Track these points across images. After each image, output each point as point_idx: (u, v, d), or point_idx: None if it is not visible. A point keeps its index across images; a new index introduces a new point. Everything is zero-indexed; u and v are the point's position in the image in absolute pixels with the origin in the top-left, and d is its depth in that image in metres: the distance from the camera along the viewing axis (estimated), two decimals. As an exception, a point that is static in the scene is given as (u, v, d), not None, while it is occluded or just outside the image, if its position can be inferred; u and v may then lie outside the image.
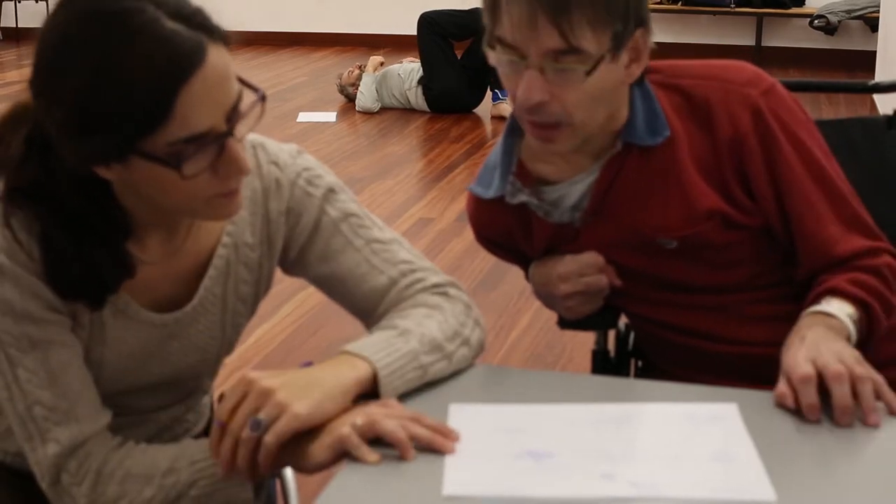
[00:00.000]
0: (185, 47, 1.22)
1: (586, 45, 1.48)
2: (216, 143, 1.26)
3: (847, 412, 1.34)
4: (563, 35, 1.47)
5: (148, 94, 1.21)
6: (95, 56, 1.21)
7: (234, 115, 1.28)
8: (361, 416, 1.31)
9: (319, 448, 1.30)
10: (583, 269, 1.69)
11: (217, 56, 1.25)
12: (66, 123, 1.24)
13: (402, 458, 1.28)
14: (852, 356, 1.40)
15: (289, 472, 1.63)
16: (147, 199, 1.34)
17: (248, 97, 1.30)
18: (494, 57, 1.54)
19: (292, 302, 3.90)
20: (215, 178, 1.29)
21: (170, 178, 1.26)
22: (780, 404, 1.37)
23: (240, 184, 1.33)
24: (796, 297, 1.67)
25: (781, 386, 1.38)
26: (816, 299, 1.56)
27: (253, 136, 1.46)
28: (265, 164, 1.49)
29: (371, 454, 1.27)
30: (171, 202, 1.33)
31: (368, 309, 1.52)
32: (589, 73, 1.50)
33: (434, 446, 1.29)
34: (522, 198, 1.68)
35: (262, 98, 1.31)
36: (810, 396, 1.35)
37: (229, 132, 1.27)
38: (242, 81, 1.30)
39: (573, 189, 1.67)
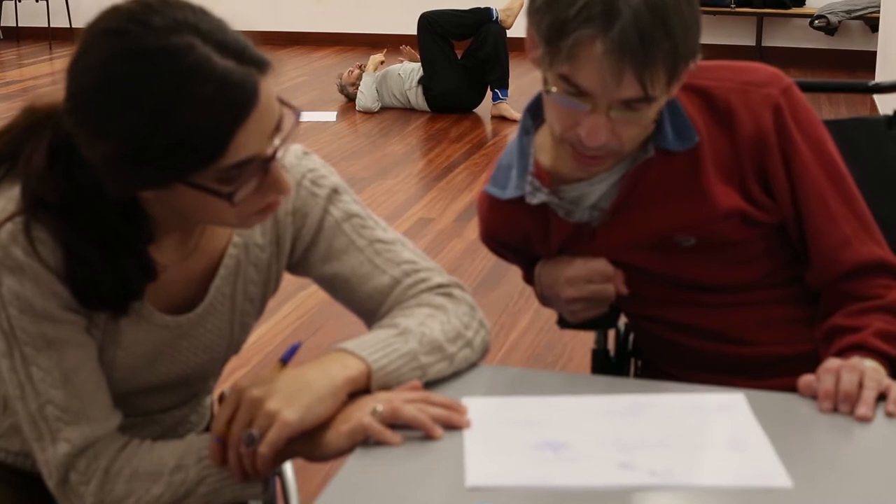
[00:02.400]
0: (241, 89, 1.21)
1: (658, 92, 1.47)
2: (262, 167, 1.27)
3: (849, 398, 1.38)
4: (644, 87, 1.45)
5: (206, 136, 1.21)
6: (149, 99, 1.19)
7: (276, 137, 1.28)
8: (382, 402, 1.33)
9: (336, 436, 1.32)
10: (591, 275, 1.68)
11: (266, 88, 1.25)
12: (113, 157, 1.23)
13: (429, 437, 1.33)
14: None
15: (289, 472, 1.63)
16: (178, 213, 1.34)
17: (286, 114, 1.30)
18: (553, 93, 1.50)
19: (292, 302, 3.90)
20: (256, 197, 1.30)
21: (210, 205, 1.28)
22: (803, 391, 1.42)
23: (276, 198, 1.34)
24: (808, 298, 1.68)
25: (808, 376, 1.43)
26: (844, 354, 1.53)
27: None
28: None
29: (395, 436, 1.31)
30: (205, 219, 1.35)
31: (372, 308, 1.53)
32: (655, 117, 1.52)
33: (452, 423, 1.34)
34: (543, 197, 1.67)
35: (298, 115, 1.31)
36: (827, 383, 1.40)
37: (273, 156, 1.28)
38: (281, 101, 1.29)
39: (594, 188, 1.66)
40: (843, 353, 1.53)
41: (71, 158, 1.29)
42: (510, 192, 1.70)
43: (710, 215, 1.63)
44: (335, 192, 1.53)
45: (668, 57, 1.44)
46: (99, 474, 1.35)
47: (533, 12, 1.50)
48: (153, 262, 1.37)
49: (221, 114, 1.21)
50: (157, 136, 1.19)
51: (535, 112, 1.70)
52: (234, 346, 1.57)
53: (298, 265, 1.55)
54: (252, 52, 1.25)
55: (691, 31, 1.47)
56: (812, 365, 1.47)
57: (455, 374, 1.48)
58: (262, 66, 1.25)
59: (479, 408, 1.39)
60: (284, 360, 1.37)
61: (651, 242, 1.66)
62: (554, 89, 1.49)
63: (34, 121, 1.34)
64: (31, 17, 10.06)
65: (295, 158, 1.52)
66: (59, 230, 1.31)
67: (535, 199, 1.67)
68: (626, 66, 1.42)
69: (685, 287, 1.70)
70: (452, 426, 1.35)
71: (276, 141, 1.28)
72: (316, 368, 1.35)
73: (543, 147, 1.69)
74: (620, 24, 1.41)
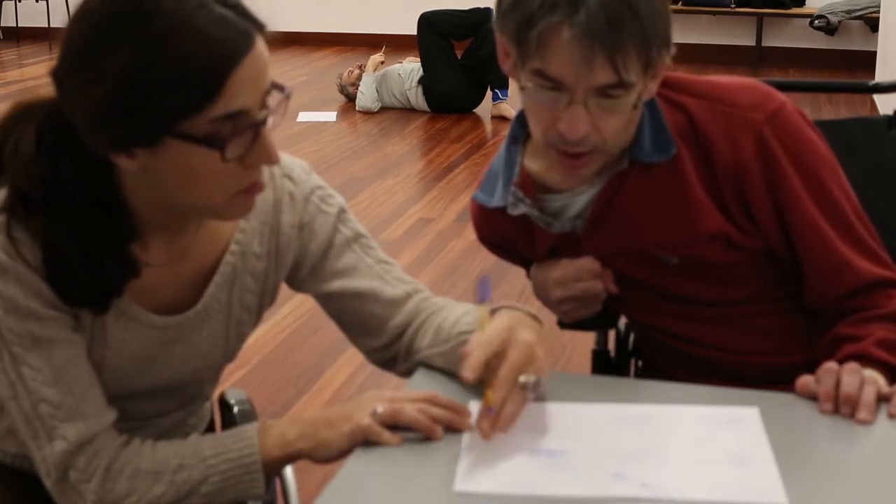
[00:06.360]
0: (237, 31, 1.24)
1: (634, 78, 1.46)
2: (252, 128, 1.27)
3: (850, 400, 1.37)
4: (617, 71, 1.44)
5: (203, 71, 1.21)
6: (150, 32, 1.21)
7: (266, 105, 1.29)
8: (382, 403, 1.35)
9: (337, 436, 1.35)
10: (579, 274, 1.68)
11: (260, 44, 1.27)
12: (108, 101, 1.23)
13: (429, 438, 1.33)
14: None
15: (289, 472, 1.63)
16: (161, 195, 1.33)
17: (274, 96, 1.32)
18: (529, 90, 1.49)
19: (292, 302, 3.89)
20: (242, 169, 1.29)
21: (200, 165, 1.26)
22: (800, 391, 1.42)
23: (262, 176, 1.34)
24: (800, 308, 1.67)
25: (806, 376, 1.42)
26: (845, 363, 1.49)
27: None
28: (279, 176, 1.51)
29: (393, 437, 1.33)
30: (190, 196, 1.31)
31: (384, 318, 1.54)
32: (635, 104, 1.50)
33: (453, 426, 1.35)
34: (524, 209, 1.66)
35: (287, 96, 1.32)
36: (827, 384, 1.39)
37: (264, 120, 1.28)
38: (273, 83, 1.31)
39: (576, 200, 1.66)
40: (843, 362, 1.49)
41: (56, 145, 1.30)
42: (495, 202, 1.70)
43: (693, 236, 1.61)
44: (343, 211, 1.55)
45: (638, 38, 1.43)
46: (100, 472, 1.35)
47: (500, 17, 1.50)
48: (135, 259, 1.36)
49: (218, 49, 1.22)
50: (154, 70, 1.20)
51: (525, 120, 1.68)
52: (229, 354, 1.56)
53: (305, 281, 1.55)
54: (249, 10, 1.28)
55: (660, 16, 1.46)
56: (807, 373, 1.45)
57: (455, 375, 1.48)
58: (258, 24, 1.28)
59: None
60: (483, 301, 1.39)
61: (634, 255, 1.66)
62: (530, 85, 1.48)
63: (20, 113, 1.35)
64: (31, 17, 10.06)
65: (303, 173, 1.54)
66: (39, 227, 1.31)
67: (517, 211, 1.67)
68: (596, 49, 1.42)
69: (671, 299, 1.69)
70: (454, 428, 1.35)
71: (267, 110, 1.29)
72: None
73: (534, 155, 1.69)
74: (586, 8, 1.41)
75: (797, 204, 1.60)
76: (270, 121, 1.29)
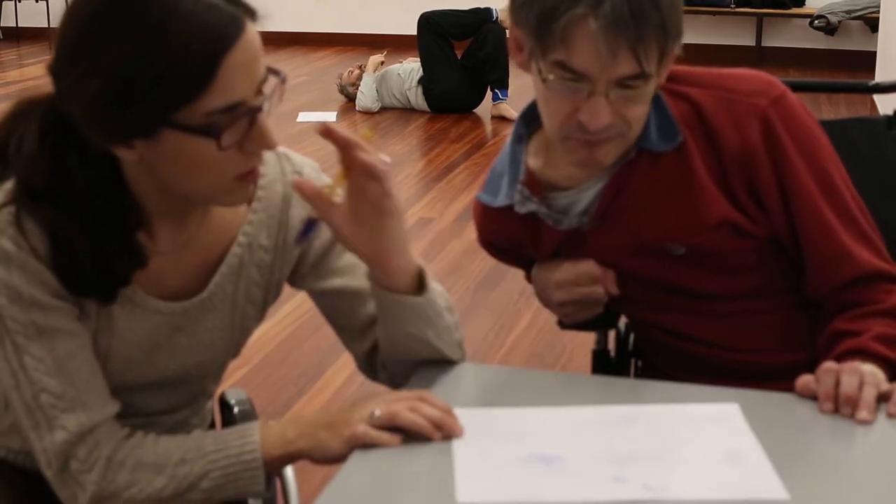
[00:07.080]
0: (227, 16, 1.24)
1: (652, 68, 1.47)
2: (249, 115, 1.28)
3: (850, 401, 1.37)
4: (639, 62, 1.45)
5: (195, 59, 1.22)
6: (141, 22, 1.21)
7: (261, 92, 1.30)
8: (380, 406, 1.35)
9: (337, 439, 1.35)
10: (579, 278, 1.68)
11: (251, 30, 1.27)
12: (103, 95, 1.23)
13: (429, 438, 1.33)
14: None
15: (289, 472, 1.63)
16: (163, 183, 1.34)
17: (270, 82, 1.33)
18: (550, 82, 1.49)
19: (292, 302, 3.89)
20: (241, 155, 1.30)
21: (198, 154, 1.27)
22: (801, 391, 1.42)
23: (261, 162, 1.34)
24: (804, 306, 1.67)
25: (806, 376, 1.42)
26: (844, 358, 1.50)
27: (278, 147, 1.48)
28: (289, 172, 1.52)
29: (392, 438, 1.33)
30: (190, 184, 1.33)
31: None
32: (654, 94, 1.51)
33: (445, 427, 1.34)
34: (532, 207, 1.66)
35: (283, 80, 1.33)
36: (826, 384, 1.39)
37: (260, 107, 1.29)
38: (268, 68, 1.32)
39: (583, 195, 1.66)
40: (842, 357, 1.51)
41: (60, 139, 1.31)
42: (501, 201, 1.70)
43: (700, 224, 1.61)
44: None
45: (659, 30, 1.45)
46: (101, 463, 1.36)
47: (517, 9, 1.51)
48: (142, 248, 1.37)
49: (209, 36, 1.22)
50: (147, 60, 1.21)
51: (528, 119, 1.69)
52: (233, 348, 1.57)
53: (305, 277, 1.56)
54: None
55: (676, 8, 1.48)
56: (809, 372, 1.45)
57: (454, 376, 1.49)
58: (248, 10, 1.28)
59: (468, 420, 1.37)
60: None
61: (641, 248, 1.65)
62: (551, 77, 1.49)
63: (23, 109, 1.36)
64: (31, 17, 10.06)
65: (313, 172, 1.55)
66: (46, 218, 1.32)
67: (524, 209, 1.67)
68: (620, 41, 1.43)
69: (676, 293, 1.69)
70: (446, 429, 1.34)
71: (263, 96, 1.29)
72: None
73: (537, 153, 1.69)
74: (610, 0, 1.42)
75: (802, 191, 1.61)
76: (267, 106, 1.30)
